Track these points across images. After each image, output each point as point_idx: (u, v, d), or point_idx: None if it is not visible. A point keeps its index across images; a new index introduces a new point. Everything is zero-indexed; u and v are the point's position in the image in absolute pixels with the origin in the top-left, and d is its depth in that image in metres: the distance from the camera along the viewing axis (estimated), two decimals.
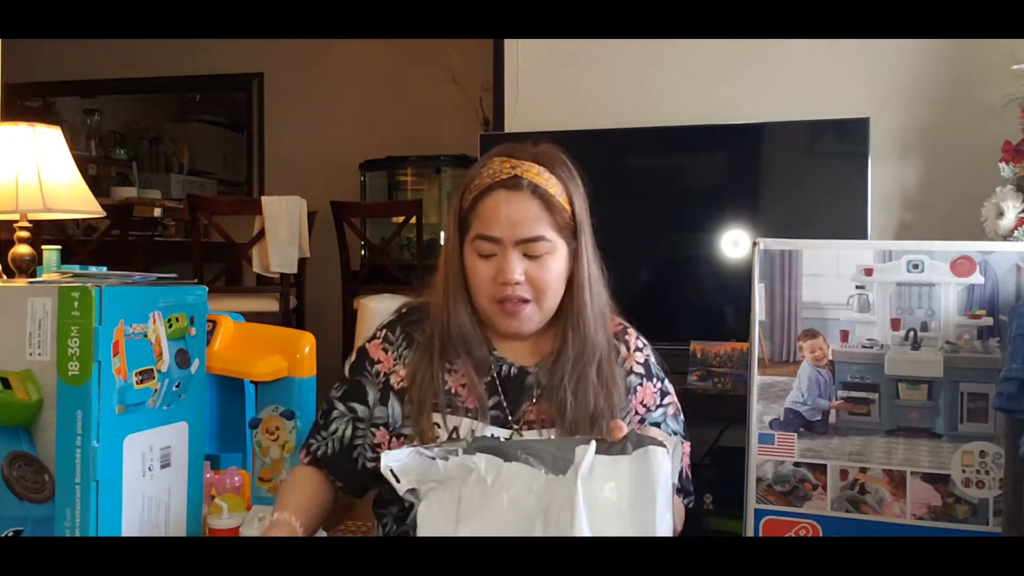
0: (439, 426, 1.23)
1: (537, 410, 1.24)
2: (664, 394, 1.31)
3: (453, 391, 1.25)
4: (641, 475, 0.98)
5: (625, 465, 0.99)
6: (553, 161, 1.25)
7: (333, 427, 1.28)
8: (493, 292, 1.22)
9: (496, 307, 1.23)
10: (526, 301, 1.22)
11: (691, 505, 1.31)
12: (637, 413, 1.27)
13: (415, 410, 1.24)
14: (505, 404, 1.25)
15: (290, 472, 1.34)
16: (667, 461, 0.99)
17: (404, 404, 1.26)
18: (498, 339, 1.29)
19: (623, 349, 1.30)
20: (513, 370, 1.27)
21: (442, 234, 1.32)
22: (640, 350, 1.32)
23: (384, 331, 1.32)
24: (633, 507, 0.98)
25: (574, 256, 1.25)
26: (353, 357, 1.33)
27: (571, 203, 1.24)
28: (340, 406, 1.29)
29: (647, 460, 0.99)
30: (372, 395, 1.28)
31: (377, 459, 1.25)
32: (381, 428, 1.28)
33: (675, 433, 1.29)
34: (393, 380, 1.28)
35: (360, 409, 1.29)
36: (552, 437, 1.21)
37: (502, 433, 1.23)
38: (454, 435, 1.22)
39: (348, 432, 1.28)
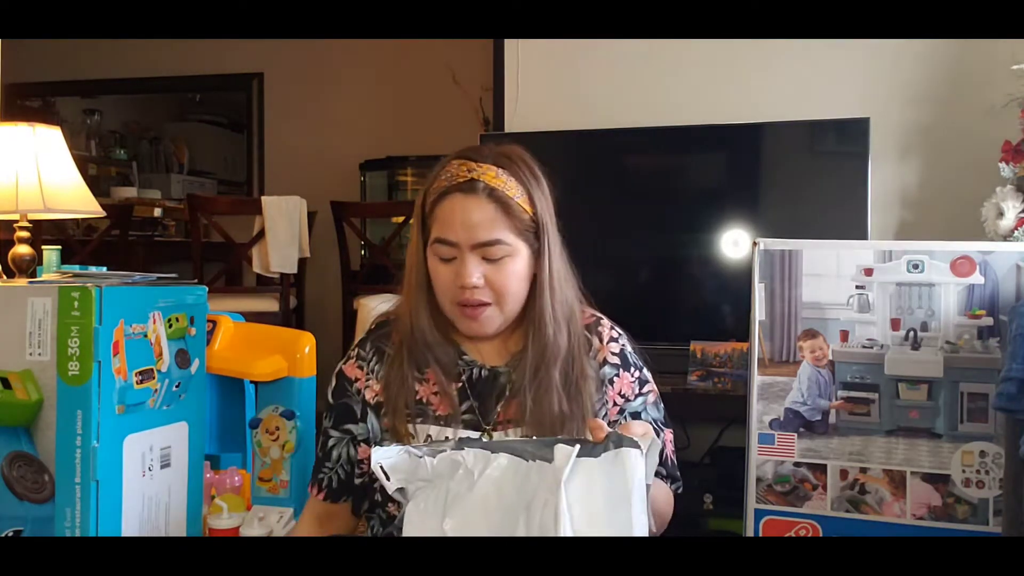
0: (413, 436, 1.23)
1: (508, 411, 1.24)
2: (643, 383, 1.30)
3: (425, 400, 1.25)
4: (613, 478, 0.98)
5: (595, 467, 0.98)
6: (513, 162, 1.23)
7: (335, 455, 1.29)
8: (453, 295, 1.22)
9: (457, 310, 1.23)
10: (486, 304, 1.22)
11: (679, 491, 1.31)
12: (615, 404, 1.27)
13: (391, 420, 1.24)
14: (477, 407, 1.25)
15: (304, 515, 1.34)
16: (640, 463, 0.98)
17: (380, 417, 1.27)
18: (466, 342, 1.29)
19: (596, 341, 1.29)
20: (484, 372, 1.26)
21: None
22: (615, 340, 1.31)
23: (356, 349, 1.33)
24: (607, 509, 0.97)
25: (536, 257, 1.24)
26: (333, 383, 1.32)
27: (532, 204, 1.23)
28: (335, 433, 1.30)
29: (619, 461, 0.98)
30: (361, 413, 1.29)
31: (364, 474, 1.27)
32: (362, 444, 1.28)
33: (655, 421, 1.28)
34: (368, 395, 1.28)
35: (356, 429, 1.29)
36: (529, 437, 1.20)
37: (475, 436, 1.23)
38: (427, 440, 1.22)
39: (351, 453, 1.29)
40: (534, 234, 1.23)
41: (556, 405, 1.20)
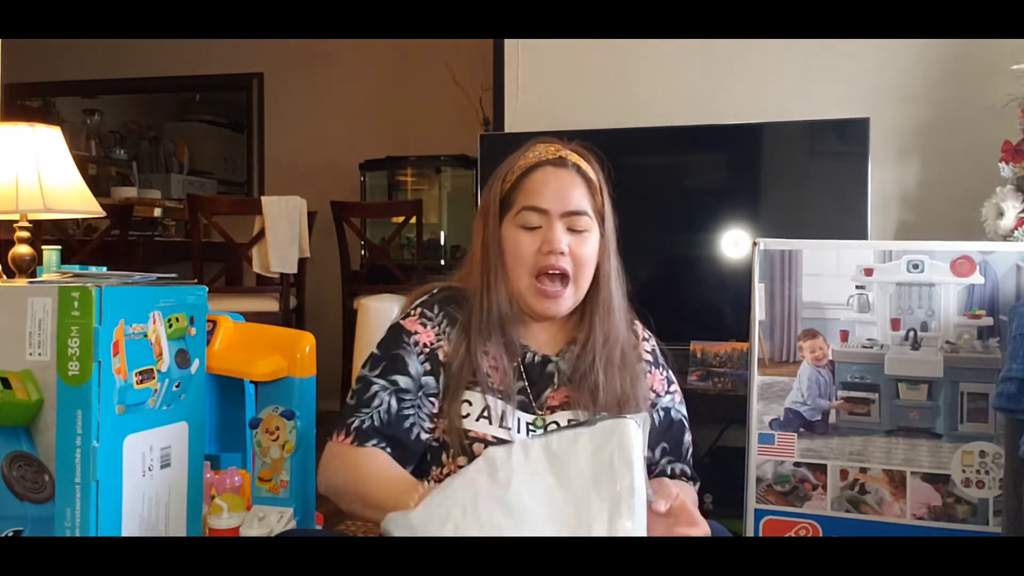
0: (470, 403, 1.24)
1: (559, 395, 1.28)
2: (670, 382, 1.36)
3: (486, 372, 1.26)
4: (602, 448, 0.99)
5: (585, 438, 1.00)
6: (590, 155, 1.33)
7: (376, 402, 1.24)
8: (536, 263, 1.26)
9: (535, 286, 1.26)
10: (566, 277, 1.26)
11: (697, 486, 1.35)
12: (647, 398, 1.32)
13: (451, 389, 1.25)
14: (529, 389, 1.28)
15: (327, 462, 1.26)
16: (637, 433, 1.00)
17: (440, 376, 1.27)
18: (523, 328, 1.32)
19: (632, 338, 1.36)
20: (537, 358, 1.30)
21: (476, 222, 1.35)
22: (647, 340, 1.39)
23: (420, 308, 1.32)
24: (598, 479, 0.98)
25: (602, 245, 1.30)
26: (386, 336, 1.31)
27: (603, 192, 1.31)
28: (380, 381, 1.26)
29: (611, 431, 1.00)
30: (415, 367, 1.27)
31: (435, 428, 1.26)
32: (433, 398, 1.27)
33: (684, 418, 1.35)
34: (440, 354, 1.28)
35: (403, 380, 1.26)
36: (575, 419, 1.24)
37: (526, 417, 1.26)
38: (484, 413, 1.24)
39: (394, 403, 1.24)
40: (601, 220, 1.30)
41: (620, 385, 1.26)
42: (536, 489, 0.99)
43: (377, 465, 1.20)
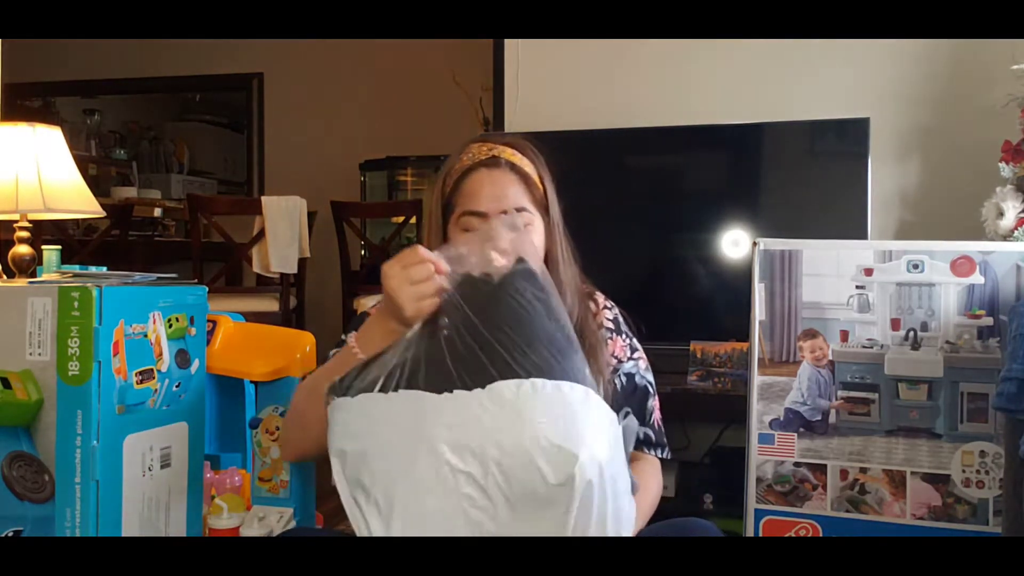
0: None
1: None
2: (634, 349, 1.37)
3: None
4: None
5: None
6: (524, 147, 1.35)
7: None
8: None
9: None
10: None
11: (667, 457, 1.34)
12: (609, 364, 1.33)
13: None
14: None
15: (297, 393, 1.26)
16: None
17: None
18: None
19: (592, 306, 1.37)
20: None
21: (423, 225, 1.37)
22: (608, 308, 1.39)
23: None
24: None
25: (548, 233, 1.33)
26: (353, 320, 1.36)
27: (542, 183, 1.33)
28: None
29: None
30: None
31: None
32: None
33: (649, 384, 1.35)
34: None
35: None
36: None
37: None
38: None
39: None
40: (545, 210, 1.33)
41: None
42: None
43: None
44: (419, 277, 1.07)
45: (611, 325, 1.36)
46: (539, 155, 1.35)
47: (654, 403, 1.35)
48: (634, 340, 1.38)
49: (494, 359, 0.98)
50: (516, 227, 1.19)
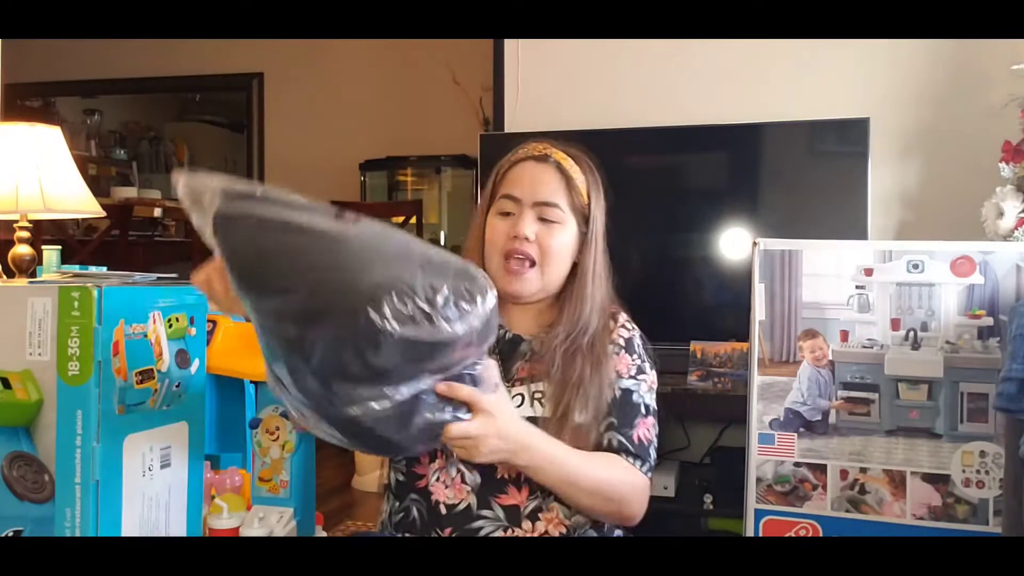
0: None
1: (527, 369, 1.32)
2: (640, 371, 1.35)
3: None
4: None
5: None
6: (581, 156, 1.39)
7: None
8: (504, 245, 1.31)
9: (503, 264, 1.31)
10: (532, 262, 1.31)
11: (648, 472, 1.29)
12: (609, 385, 1.32)
13: None
14: (499, 364, 1.29)
15: None
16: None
17: None
18: (502, 311, 1.33)
19: (611, 323, 1.38)
20: (509, 335, 1.35)
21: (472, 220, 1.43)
22: (625, 328, 1.39)
23: None
24: None
25: (583, 244, 1.35)
26: None
27: (588, 194, 1.37)
28: None
29: None
30: None
31: None
32: None
33: (645, 406, 1.32)
34: None
35: None
36: (538, 391, 1.28)
37: None
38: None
39: None
40: (584, 220, 1.36)
41: (579, 368, 1.28)
42: None
43: None
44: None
45: (622, 343, 1.36)
46: (595, 172, 1.39)
47: (642, 421, 1.30)
48: (645, 363, 1.36)
49: None
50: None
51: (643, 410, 1.31)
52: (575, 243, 1.35)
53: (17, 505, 1.16)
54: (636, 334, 1.39)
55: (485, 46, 3.15)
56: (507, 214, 1.33)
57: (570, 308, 1.33)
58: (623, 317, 1.40)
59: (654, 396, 1.36)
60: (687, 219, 2.72)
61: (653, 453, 1.32)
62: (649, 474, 1.31)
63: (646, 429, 1.31)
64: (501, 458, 1.13)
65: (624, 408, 1.30)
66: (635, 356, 1.36)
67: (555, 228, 1.32)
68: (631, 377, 1.33)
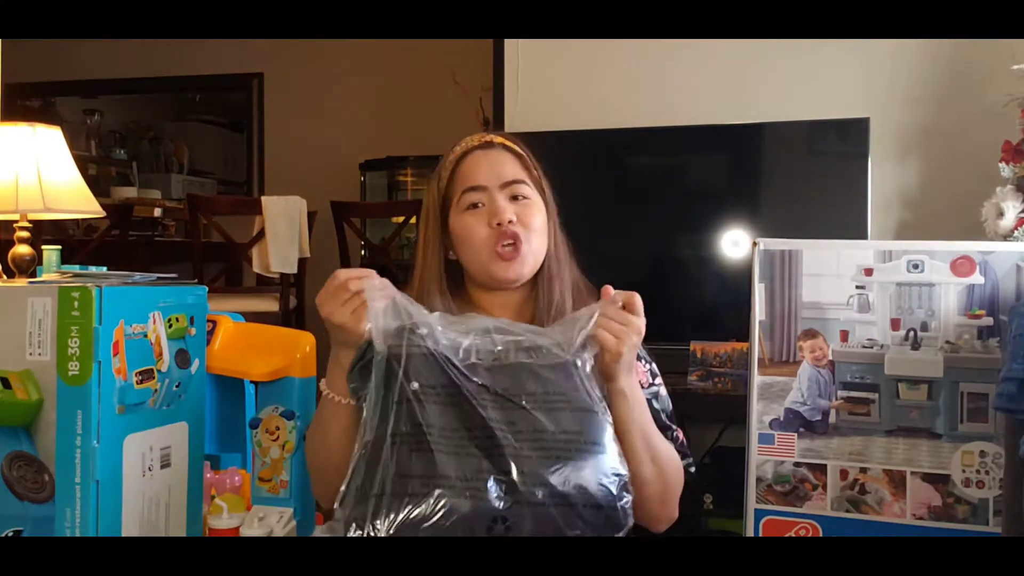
0: None
1: None
2: (654, 375, 1.37)
3: None
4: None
5: None
6: (516, 139, 1.37)
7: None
8: (489, 238, 1.29)
9: (494, 255, 1.29)
10: (520, 242, 1.29)
11: (692, 469, 1.32)
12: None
13: None
14: None
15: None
16: None
17: None
18: (483, 311, 1.34)
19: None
20: None
21: (418, 232, 1.40)
22: None
23: None
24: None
25: (548, 216, 1.34)
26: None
27: (536, 169, 1.35)
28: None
29: None
30: None
31: None
32: None
33: (666, 412, 1.34)
34: None
35: None
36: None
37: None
38: None
39: None
40: (542, 193, 1.34)
41: None
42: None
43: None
44: (345, 297, 1.13)
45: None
46: (529, 150, 1.38)
47: (675, 427, 1.33)
48: (654, 366, 1.37)
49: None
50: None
51: (671, 415, 1.34)
52: (546, 217, 1.34)
53: (17, 505, 1.16)
54: None
55: (485, 46, 3.14)
56: (475, 206, 1.30)
57: (544, 293, 1.33)
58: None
59: (668, 399, 1.37)
60: (687, 219, 2.72)
61: (691, 456, 1.34)
62: (692, 471, 1.32)
63: (679, 432, 1.34)
64: (627, 364, 1.15)
65: (657, 416, 1.29)
66: (644, 362, 1.36)
67: (529, 204, 1.31)
68: (651, 385, 1.34)
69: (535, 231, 1.30)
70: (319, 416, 1.23)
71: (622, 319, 1.14)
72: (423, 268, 1.35)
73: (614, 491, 1.03)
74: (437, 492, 0.98)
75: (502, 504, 0.99)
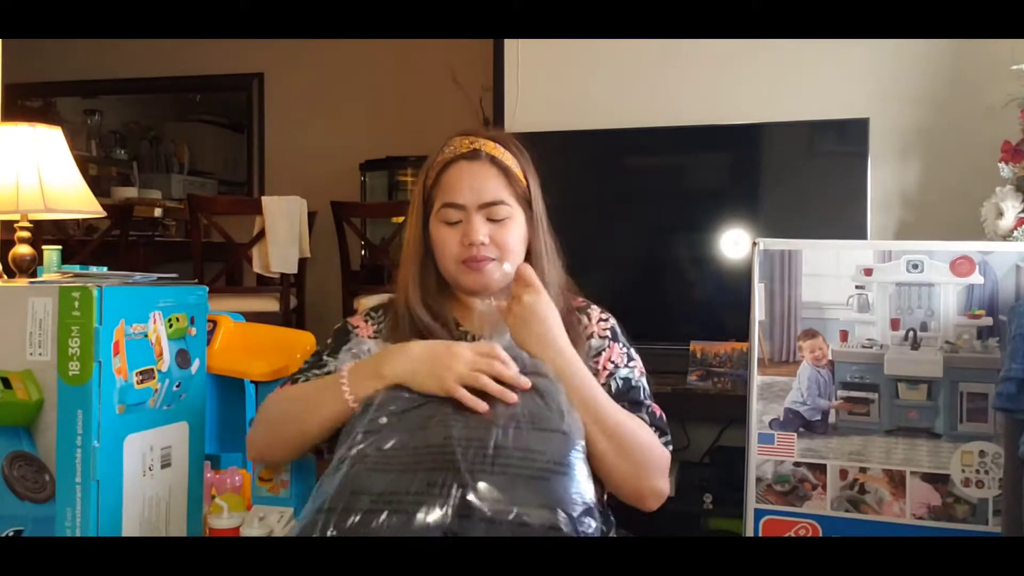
0: None
1: None
2: (630, 357, 1.36)
3: None
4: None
5: None
6: (508, 141, 1.36)
7: (324, 367, 1.30)
8: (459, 254, 1.30)
9: (462, 266, 1.31)
10: (490, 259, 1.30)
11: (670, 446, 1.30)
12: (605, 368, 1.33)
13: None
14: None
15: (269, 401, 1.29)
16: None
17: None
18: (463, 314, 1.35)
19: (585, 320, 1.38)
20: (469, 338, 1.33)
21: (406, 223, 1.41)
22: (604, 320, 1.39)
23: (368, 311, 1.40)
24: None
25: (531, 227, 1.34)
26: (337, 327, 1.38)
27: (525, 177, 1.35)
28: (329, 357, 1.32)
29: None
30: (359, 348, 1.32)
31: None
32: None
33: (644, 391, 1.33)
34: (373, 347, 1.30)
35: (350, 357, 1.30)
36: None
37: None
38: None
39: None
40: (527, 204, 1.34)
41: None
42: None
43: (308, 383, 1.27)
44: (481, 366, 1.12)
45: (608, 334, 1.37)
46: (523, 150, 1.36)
47: (650, 402, 1.33)
48: (632, 350, 1.37)
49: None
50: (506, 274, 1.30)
51: (647, 393, 1.33)
52: (526, 229, 1.34)
53: (17, 505, 1.16)
54: (613, 322, 1.40)
55: (485, 46, 3.15)
56: (453, 222, 1.31)
57: None
58: (596, 309, 1.40)
59: (646, 379, 1.37)
60: (687, 219, 2.72)
61: (669, 433, 1.33)
62: (670, 448, 1.30)
63: (656, 408, 1.33)
64: (542, 344, 1.17)
65: (630, 394, 1.31)
66: (621, 344, 1.37)
67: (506, 224, 1.31)
68: (625, 366, 1.34)
69: (509, 249, 1.31)
70: (318, 389, 1.23)
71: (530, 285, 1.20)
72: (407, 259, 1.36)
73: (575, 514, 1.00)
74: (389, 508, 0.99)
75: (453, 521, 0.98)
